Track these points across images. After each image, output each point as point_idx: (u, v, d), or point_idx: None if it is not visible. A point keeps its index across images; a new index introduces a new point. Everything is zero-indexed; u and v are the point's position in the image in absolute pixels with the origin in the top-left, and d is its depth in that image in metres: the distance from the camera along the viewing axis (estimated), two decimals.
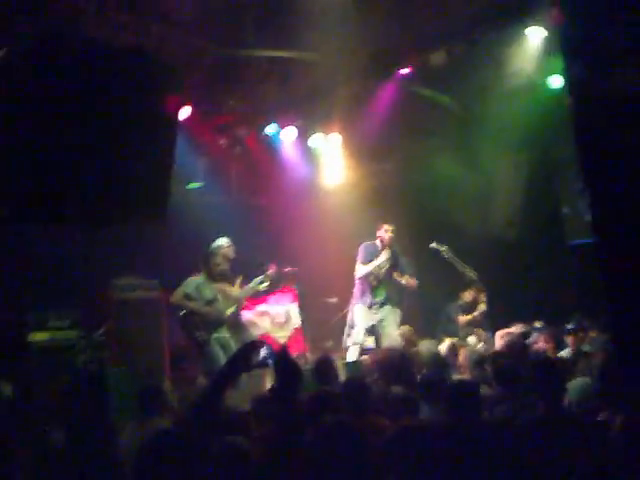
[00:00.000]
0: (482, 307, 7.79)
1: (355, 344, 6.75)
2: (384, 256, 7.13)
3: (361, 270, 7.13)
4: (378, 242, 7.26)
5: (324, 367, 4.51)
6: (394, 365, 4.42)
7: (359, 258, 7.15)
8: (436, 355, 5.24)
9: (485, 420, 3.39)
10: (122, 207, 6.04)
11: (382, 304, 7.19)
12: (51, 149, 5.21)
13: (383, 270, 7.26)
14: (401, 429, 2.70)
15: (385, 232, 7.18)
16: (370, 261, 7.13)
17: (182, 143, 6.68)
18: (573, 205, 8.47)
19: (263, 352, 2.46)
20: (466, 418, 3.16)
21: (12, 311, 6.15)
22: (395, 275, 7.55)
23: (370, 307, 7.12)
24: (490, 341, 6.75)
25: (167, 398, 4.30)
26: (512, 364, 4.22)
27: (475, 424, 3.10)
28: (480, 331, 7.49)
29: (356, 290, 7.23)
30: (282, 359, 2.46)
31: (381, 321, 7.13)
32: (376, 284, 7.17)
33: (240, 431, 3.20)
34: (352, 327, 7.09)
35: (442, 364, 5.00)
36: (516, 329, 6.35)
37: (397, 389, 3.99)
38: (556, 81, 7.74)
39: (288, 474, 2.78)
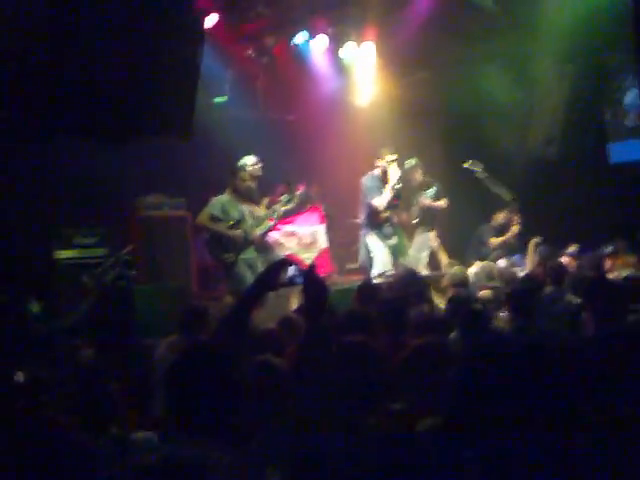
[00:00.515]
0: (515, 229, 7.85)
1: (381, 275, 6.88)
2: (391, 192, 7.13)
3: (382, 200, 7.10)
4: (377, 172, 7.24)
5: (367, 290, 4.67)
6: (409, 286, 4.57)
7: (367, 193, 7.14)
8: (462, 276, 5.40)
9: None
10: (148, 121, 6.16)
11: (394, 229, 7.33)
12: (78, 62, 5.28)
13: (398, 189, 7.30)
14: (420, 346, 2.88)
15: (388, 164, 7.13)
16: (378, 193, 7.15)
17: (208, 54, 6.67)
18: (619, 123, 8.30)
19: (291, 271, 2.55)
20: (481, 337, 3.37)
21: (39, 228, 6.41)
22: (423, 199, 7.61)
23: (385, 235, 7.22)
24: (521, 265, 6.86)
25: (209, 319, 4.50)
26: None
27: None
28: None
29: (365, 220, 7.26)
30: (310, 278, 2.57)
31: (396, 245, 7.28)
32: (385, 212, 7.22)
33: (269, 349, 3.41)
34: (370, 259, 7.19)
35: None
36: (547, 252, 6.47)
37: (422, 308, 4.16)
38: None
39: (314, 390, 2.98)
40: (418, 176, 7.70)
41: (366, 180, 7.24)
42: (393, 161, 7.15)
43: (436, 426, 2.26)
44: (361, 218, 7.35)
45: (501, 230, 8.07)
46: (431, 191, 7.71)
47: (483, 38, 8.38)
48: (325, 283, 2.85)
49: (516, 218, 7.85)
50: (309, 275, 2.57)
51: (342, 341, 2.91)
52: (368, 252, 7.24)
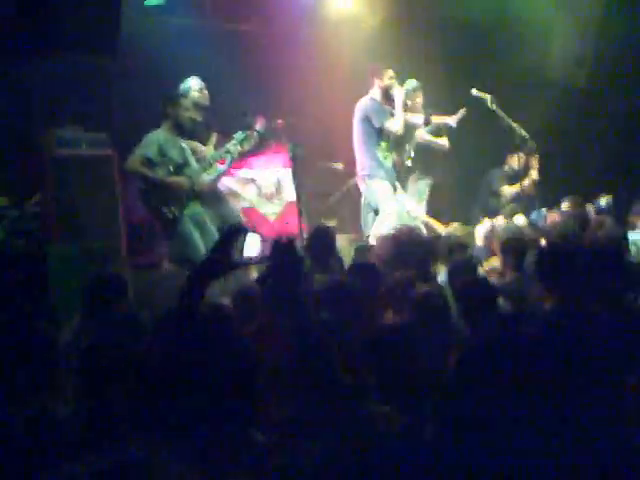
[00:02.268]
0: (533, 175, 7.93)
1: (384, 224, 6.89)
2: (400, 99, 7.15)
3: (397, 123, 7.11)
4: (377, 94, 7.21)
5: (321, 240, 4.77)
6: (402, 248, 4.61)
7: (373, 117, 7.12)
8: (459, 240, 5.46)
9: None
10: (61, 33, 6.01)
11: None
12: None
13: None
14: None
15: (390, 80, 7.18)
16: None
17: None
18: None
19: (252, 243, 2.46)
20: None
21: None
22: (420, 133, 7.63)
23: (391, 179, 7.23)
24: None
25: (127, 289, 4.48)
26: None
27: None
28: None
29: (364, 159, 7.24)
30: (282, 256, 2.54)
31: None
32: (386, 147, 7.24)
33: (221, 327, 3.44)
34: (375, 210, 7.20)
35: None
36: (570, 206, 6.56)
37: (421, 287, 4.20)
38: None
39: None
40: (419, 103, 7.68)
41: (366, 104, 7.19)
42: (393, 78, 7.18)
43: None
44: (360, 157, 7.29)
45: (515, 177, 8.15)
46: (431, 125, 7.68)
47: None
48: (301, 260, 2.85)
49: (534, 161, 7.91)
50: (282, 251, 2.54)
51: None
52: (370, 206, 7.24)
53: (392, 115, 7.16)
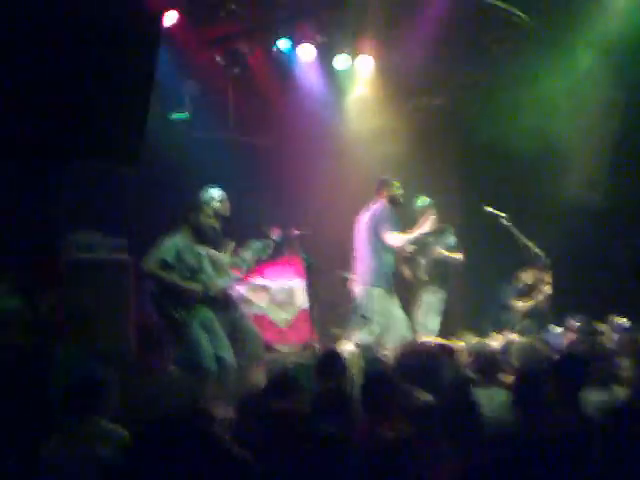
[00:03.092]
0: (547, 290, 7.86)
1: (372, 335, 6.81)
2: (428, 225, 7.17)
3: (400, 239, 7.14)
4: (387, 203, 7.26)
5: (329, 362, 4.60)
6: (420, 364, 4.49)
7: (384, 224, 7.14)
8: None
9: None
10: (84, 139, 6.11)
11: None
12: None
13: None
14: None
15: (397, 190, 7.29)
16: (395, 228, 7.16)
17: (165, 59, 6.70)
18: None
19: None
20: None
21: None
22: (436, 249, 7.65)
23: (390, 290, 7.17)
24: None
25: (114, 394, 4.30)
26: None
27: None
28: None
29: (367, 267, 7.21)
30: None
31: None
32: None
33: None
34: (364, 315, 7.11)
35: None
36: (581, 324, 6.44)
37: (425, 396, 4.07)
38: None
39: None
40: (431, 219, 7.69)
41: (377, 212, 7.21)
42: (400, 189, 7.30)
43: None
44: (362, 265, 7.26)
45: (527, 292, 8.09)
46: (450, 239, 7.65)
47: (508, 57, 8.53)
48: None
49: (547, 277, 7.86)
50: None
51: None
52: (366, 308, 7.16)
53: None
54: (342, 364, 4.74)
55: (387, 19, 8.22)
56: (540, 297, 7.92)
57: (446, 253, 7.87)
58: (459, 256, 7.85)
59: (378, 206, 7.26)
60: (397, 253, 7.34)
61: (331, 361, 4.71)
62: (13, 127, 5.42)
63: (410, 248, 7.53)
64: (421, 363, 4.62)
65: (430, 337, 7.06)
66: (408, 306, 7.65)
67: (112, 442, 3.59)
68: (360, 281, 7.28)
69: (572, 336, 6.78)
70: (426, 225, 7.19)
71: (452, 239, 7.91)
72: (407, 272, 7.81)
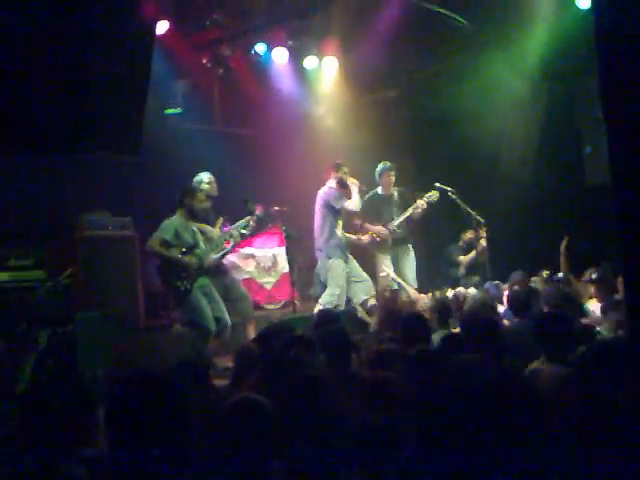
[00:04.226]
0: (482, 243, 7.96)
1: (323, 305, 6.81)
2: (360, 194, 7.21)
3: (355, 203, 7.18)
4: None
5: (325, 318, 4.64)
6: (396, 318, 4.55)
7: (336, 202, 7.18)
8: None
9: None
10: (91, 133, 6.02)
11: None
12: (12, 63, 5.15)
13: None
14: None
15: (345, 173, 7.28)
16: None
17: (158, 62, 6.62)
18: (595, 143, 8.48)
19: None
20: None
21: None
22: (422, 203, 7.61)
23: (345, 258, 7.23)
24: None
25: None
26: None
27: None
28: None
29: (324, 241, 7.21)
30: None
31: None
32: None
33: None
34: (324, 282, 7.14)
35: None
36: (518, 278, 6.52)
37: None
38: (585, 1, 7.62)
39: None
40: (392, 180, 7.68)
41: (326, 192, 7.23)
42: (347, 173, 7.28)
43: None
44: (319, 240, 7.28)
45: (468, 248, 8.23)
46: (433, 195, 7.58)
47: (450, 55, 8.56)
48: None
49: (483, 234, 7.97)
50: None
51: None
52: (320, 277, 7.21)
53: (349, 199, 7.22)
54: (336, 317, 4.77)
55: (348, 25, 8.20)
56: (479, 249, 8.00)
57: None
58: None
59: (327, 187, 7.28)
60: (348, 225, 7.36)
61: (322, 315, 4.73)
62: (34, 123, 5.34)
63: (359, 219, 7.47)
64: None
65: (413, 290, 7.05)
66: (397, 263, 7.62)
67: None
68: (319, 254, 7.30)
69: (512, 287, 6.85)
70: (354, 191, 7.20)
71: (435, 194, 7.67)
72: (364, 238, 7.69)
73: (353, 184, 7.25)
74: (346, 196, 7.25)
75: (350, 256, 7.34)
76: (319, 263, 7.33)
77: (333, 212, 7.21)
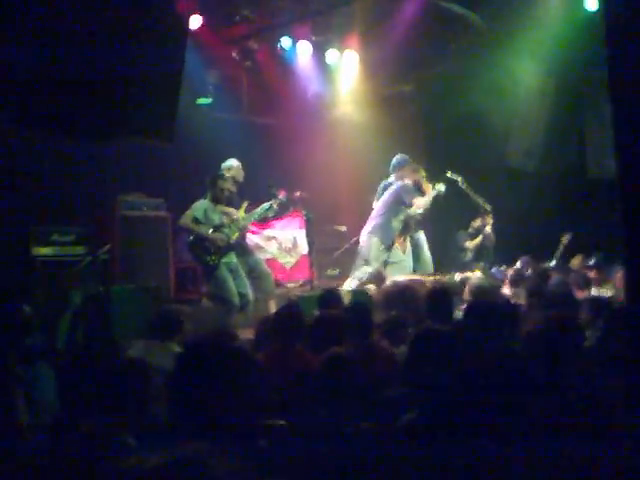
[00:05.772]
0: (487, 230, 7.92)
1: (359, 280, 6.79)
2: (429, 198, 7.16)
3: (423, 202, 7.18)
4: (410, 183, 7.22)
5: (329, 296, 4.61)
6: (399, 296, 4.49)
7: (408, 197, 7.15)
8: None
9: None
10: (129, 121, 6.01)
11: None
12: (61, 60, 5.14)
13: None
14: None
15: (422, 178, 7.27)
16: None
17: (191, 55, 6.55)
18: (598, 139, 8.34)
19: None
20: None
21: (17, 225, 6.22)
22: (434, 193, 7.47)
23: (387, 248, 7.14)
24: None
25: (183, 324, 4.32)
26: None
27: None
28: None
29: (377, 225, 7.17)
30: None
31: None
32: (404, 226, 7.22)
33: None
34: (366, 261, 7.10)
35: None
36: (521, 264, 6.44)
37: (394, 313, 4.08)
38: (592, 3, 7.46)
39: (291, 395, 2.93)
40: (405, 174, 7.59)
41: (403, 186, 7.21)
42: (425, 176, 7.28)
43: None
44: (373, 220, 7.22)
45: (476, 235, 8.17)
46: (441, 186, 7.45)
47: (465, 52, 8.42)
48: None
49: (489, 221, 7.91)
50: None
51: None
52: (366, 255, 7.12)
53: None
54: (337, 297, 4.73)
55: (368, 21, 8.10)
56: (486, 232, 7.99)
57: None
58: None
59: (405, 183, 7.25)
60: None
61: (329, 295, 4.70)
62: (76, 110, 5.33)
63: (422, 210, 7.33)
64: (400, 295, 4.63)
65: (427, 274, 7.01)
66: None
67: None
68: (366, 231, 7.24)
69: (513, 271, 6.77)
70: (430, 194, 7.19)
71: (442, 186, 7.47)
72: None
73: (431, 190, 7.21)
74: (418, 196, 7.20)
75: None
76: (365, 244, 7.22)
77: (399, 204, 7.16)
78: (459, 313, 4.69)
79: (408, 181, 7.28)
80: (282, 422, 2.43)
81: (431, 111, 9.09)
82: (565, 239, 7.39)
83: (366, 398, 2.73)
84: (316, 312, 4.26)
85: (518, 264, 6.74)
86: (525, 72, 8.39)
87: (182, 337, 4.01)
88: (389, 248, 7.14)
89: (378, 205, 7.30)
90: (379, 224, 7.15)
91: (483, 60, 8.40)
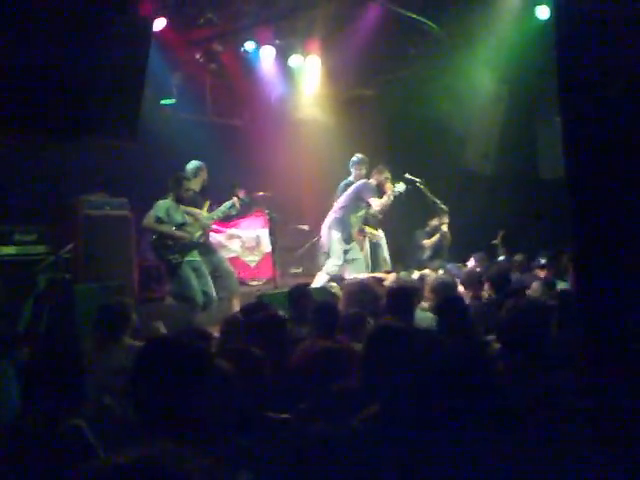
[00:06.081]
0: (443, 228, 8.08)
1: (328, 274, 6.85)
2: (388, 198, 7.21)
3: (381, 202, 7.21)
4: (373, 182, 7.27)
5: (297, 294, 4.62)
6: (361, 293, 4.54)
7: (367, 195, 7.19)
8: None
9: None
10: (92, 120, 5.94)
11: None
12: (25, 59, 5.05)
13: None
14: None
15: (385, 180, 7.30)
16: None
17: (155, 56, 6.51)
18: (550, 141, 8.55)
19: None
20: None
21: None
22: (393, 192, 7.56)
23: (346, 241, 7.20)
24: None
25: (132, 316, 4.29)
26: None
27: None
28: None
29: (336, 219, 7.22)
30: None
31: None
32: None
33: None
34: (327, 255, 7.15)
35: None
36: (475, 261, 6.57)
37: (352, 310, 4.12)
38: (544, 12, 7.66)
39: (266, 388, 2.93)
40: (362, 173, 7.62)
41: (365, 185, 7.25)
42: (388, 178, 7.30)
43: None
44: (332, 215, 7.26)
45: (433, 234, 8.33)
46: (401, 186, 7.48)
47: (422, 58, 8.54)
48: None
49: (445, 220, 8.06)
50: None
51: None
52: (328, 249, 7.17)
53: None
54: (307, 293, 4.75)
55: (330, 27, 8.14)
56: (442, 231, 8.15)
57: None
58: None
59: (368, 181, 7.29)
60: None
61: (297, 291, 4.72)
62: (40, 109, 5.25)
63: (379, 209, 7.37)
64: (361, 292, 4.67)
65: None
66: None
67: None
68: (326, 225, 7.29)
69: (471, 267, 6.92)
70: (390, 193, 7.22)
71: (402, 186, 7.48)
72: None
73: (390, 191, 7.24)
74: (378, 196, 7.24)
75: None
76: (325, 237, 7.28)
77: (358, 201, 7.21)
78: (419, 310, 4.79)
79: (372, 180, 7.35)
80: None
81: (392, 114, 9.20)
82: (500, 237, 7.64)
83: (328, 394, 2.75)
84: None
85: (472, 260, 6.88)
86: (481, 78, 8.57)
87: (132, 331, 3.97)
88: (347, 242, 7.19)
89: (339, 199, 7.36)
90: (337, 218, 7.21)
91: (442, 66, 8.55)
